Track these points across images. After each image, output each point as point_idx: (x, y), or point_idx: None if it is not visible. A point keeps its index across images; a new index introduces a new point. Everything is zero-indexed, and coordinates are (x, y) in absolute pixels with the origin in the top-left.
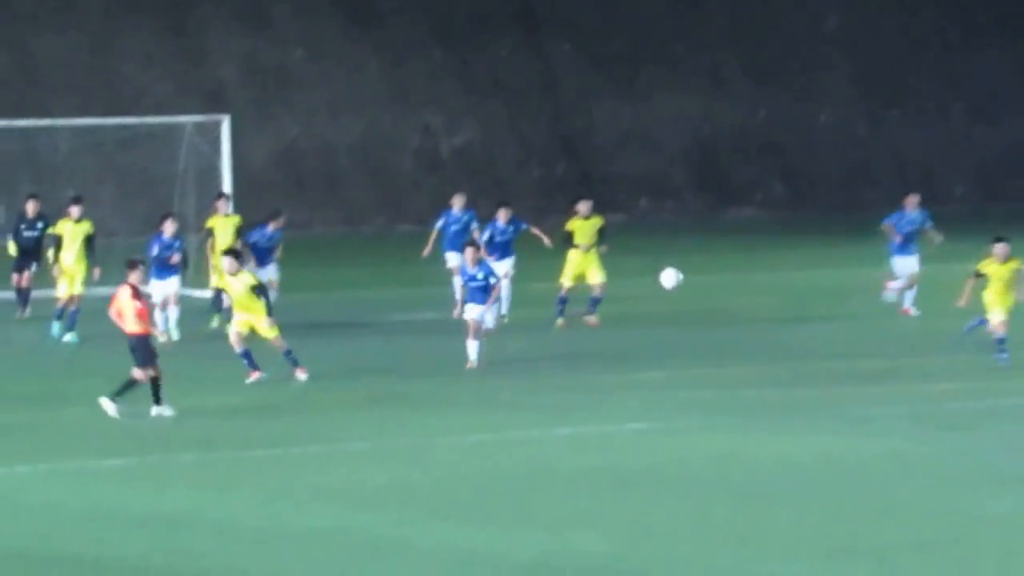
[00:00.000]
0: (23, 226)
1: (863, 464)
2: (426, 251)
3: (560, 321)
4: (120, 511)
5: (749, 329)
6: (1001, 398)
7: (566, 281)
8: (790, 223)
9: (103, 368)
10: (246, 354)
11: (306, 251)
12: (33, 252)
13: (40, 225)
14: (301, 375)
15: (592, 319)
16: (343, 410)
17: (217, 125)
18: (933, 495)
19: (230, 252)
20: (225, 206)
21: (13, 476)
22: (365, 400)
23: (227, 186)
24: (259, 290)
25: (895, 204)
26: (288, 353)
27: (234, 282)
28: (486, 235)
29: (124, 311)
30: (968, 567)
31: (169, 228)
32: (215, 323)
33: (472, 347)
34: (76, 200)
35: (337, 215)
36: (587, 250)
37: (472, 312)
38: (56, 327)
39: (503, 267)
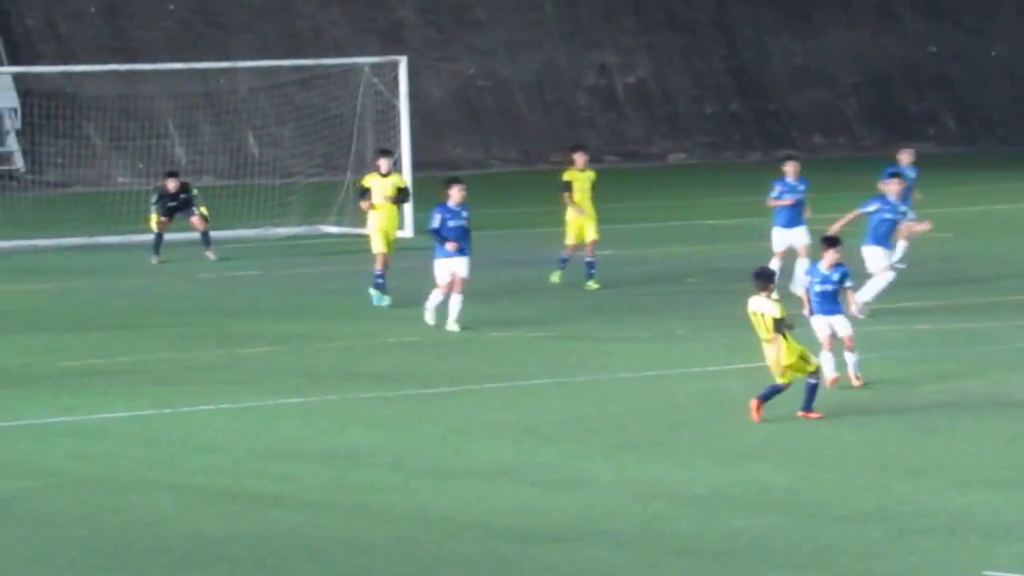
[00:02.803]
0: (168, 200)
1: None
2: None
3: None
4: (301, 449)
5: (924, 264)
6: None
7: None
8: (962, 157)
9: (281, 308)
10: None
11: (485, 188)
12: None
13: (183, 196)
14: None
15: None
16: (522, 348)
17: (395, 66)
18: None
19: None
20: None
21: (196, 415)
22: (543, 338)
23: (404, 127)
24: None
25: None
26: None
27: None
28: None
29: None
30: None
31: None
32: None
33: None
34: (384, 152)
35: (513, 154)
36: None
37: None
38: (374, 295)
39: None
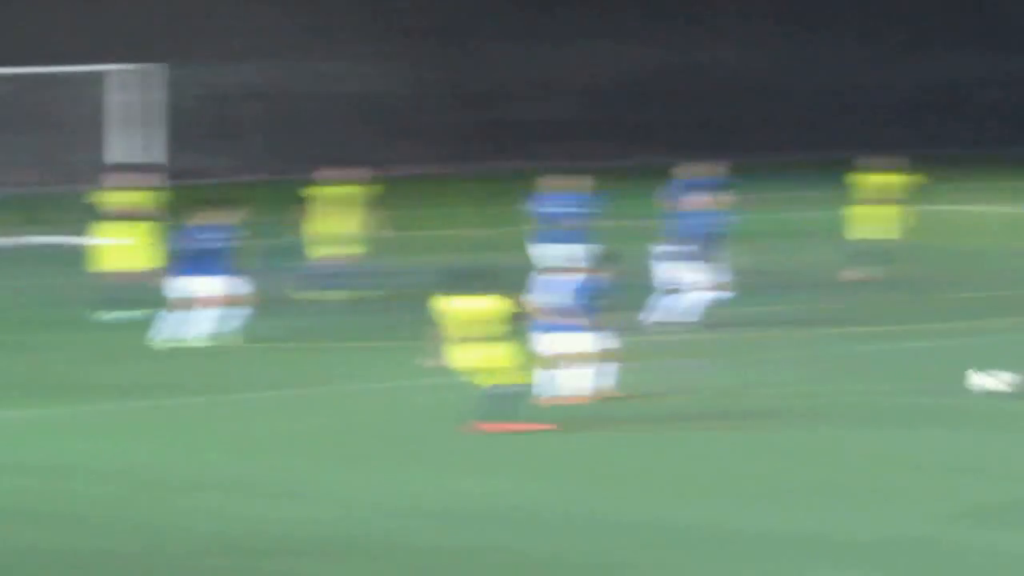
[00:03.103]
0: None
1: None
2: None
3: None
4: (33, 462)
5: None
6: None
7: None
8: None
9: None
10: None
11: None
12: None
13: None
14: None
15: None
16: (268, 359)
17: (141, 73)
18: None
19: None
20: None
21: None
22: (291, 350)
23: (157, 136)
24: None
25: (791, 149)
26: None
27: None
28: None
29: None
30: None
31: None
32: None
33: None
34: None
35: (234, 163)
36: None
37: None
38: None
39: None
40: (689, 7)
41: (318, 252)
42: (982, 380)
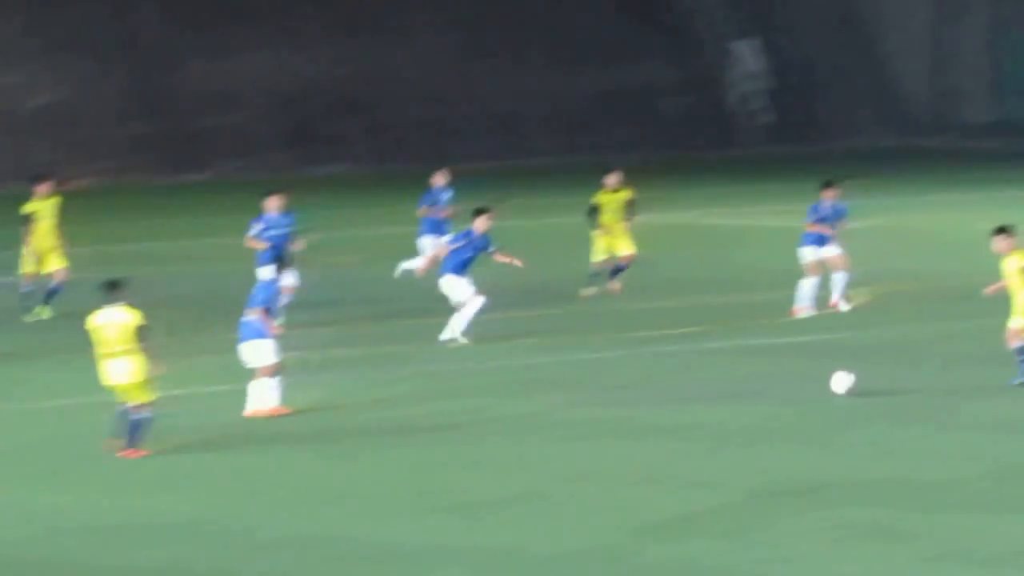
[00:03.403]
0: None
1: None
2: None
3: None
4: None
5: (339, 283)
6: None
7: (599, 255)
8: (376, 178)
9: None
10: None
11: None
12: None
13: None
14: None
15: (615, 285)
16: None
17: None
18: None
19: None
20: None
21: None
22: None
23: None
24: None
25: (482, 157)
26: None
27: None
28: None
29: None
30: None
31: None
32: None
33: None
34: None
35: None
36: (607, 231)
37: None
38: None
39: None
40: (373, 17)
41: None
42: (841, 381)
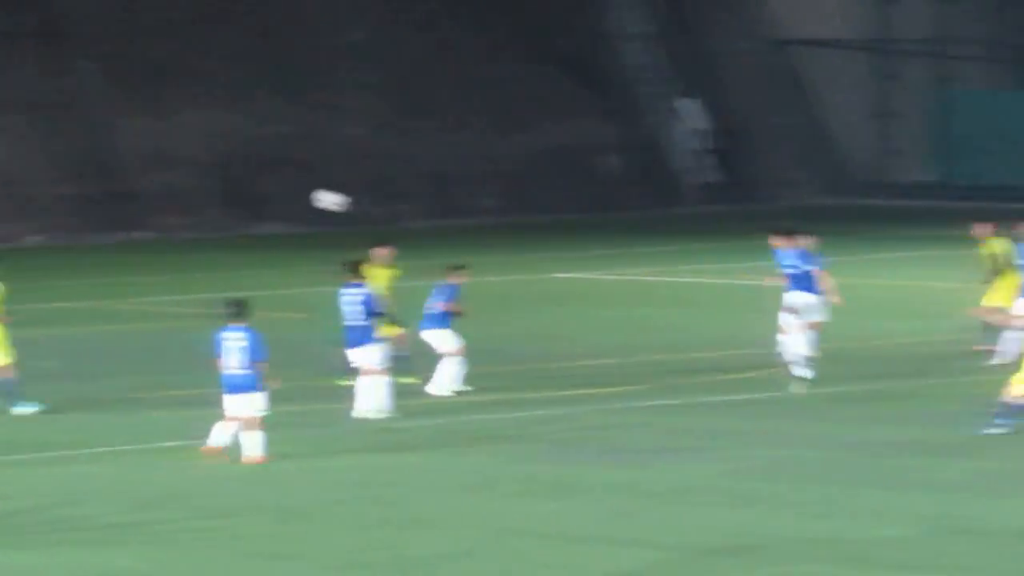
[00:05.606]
0: None
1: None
2: None
3: None
4: None
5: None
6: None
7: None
8: (316, 237)
9: None
10: None
11: None
12: None
13: None
14: None
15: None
16: None
17: None
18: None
19: None
20: None
21: None
22: None
23: None
24: None
25: (426, 215)
26: None
27: None
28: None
29: None
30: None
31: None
32: None
33: None
34: None
35: None
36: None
37: None
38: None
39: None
40: (311, 76)
41: None
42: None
